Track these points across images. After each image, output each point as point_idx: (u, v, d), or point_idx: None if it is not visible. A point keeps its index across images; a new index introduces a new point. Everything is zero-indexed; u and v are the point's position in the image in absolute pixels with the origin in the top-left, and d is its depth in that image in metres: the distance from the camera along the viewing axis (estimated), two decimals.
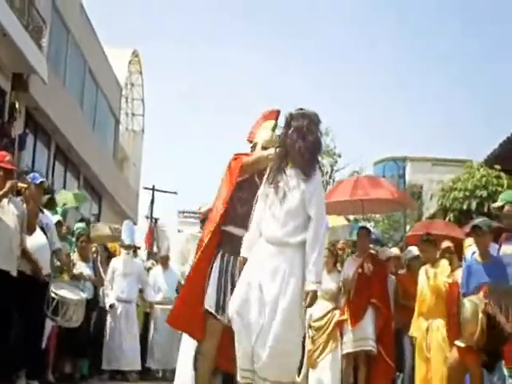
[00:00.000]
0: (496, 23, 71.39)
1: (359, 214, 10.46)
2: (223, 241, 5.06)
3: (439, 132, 68.52)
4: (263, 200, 4.71)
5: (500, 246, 6.28)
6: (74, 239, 9.46)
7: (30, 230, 6.96)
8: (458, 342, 5.90)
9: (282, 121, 4.95)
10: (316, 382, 7.92)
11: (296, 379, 6.46)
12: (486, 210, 11.59)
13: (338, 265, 8.47)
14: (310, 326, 8.06)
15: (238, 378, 4.53)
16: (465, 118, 71.34)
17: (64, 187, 19.24)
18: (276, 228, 4.56)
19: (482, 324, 5.39)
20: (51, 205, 8.99)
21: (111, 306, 10.03)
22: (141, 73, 34.61)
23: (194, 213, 34.80)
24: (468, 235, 7.36)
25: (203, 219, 7.48)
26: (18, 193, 7.06)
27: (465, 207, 12.54)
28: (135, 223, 15.11)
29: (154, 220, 29.86)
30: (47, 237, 7.36)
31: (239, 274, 4.70)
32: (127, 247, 10.48)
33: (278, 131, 5.05)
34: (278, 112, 5.36)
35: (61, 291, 7.43)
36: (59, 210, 9.84)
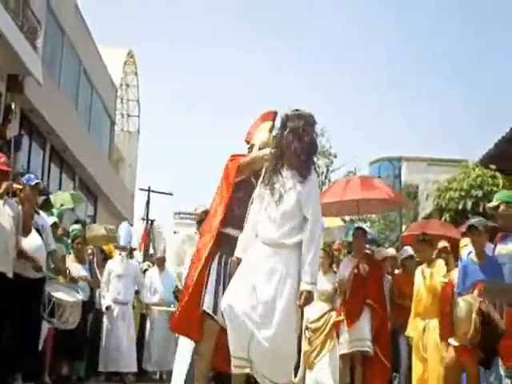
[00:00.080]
0: (490, 24, 71.60)
1: (354, 215, 10.47)
2: (221, 242, 5.06)
3: (434, 132, 68.70)
4: (259, 201, 4.72)
5: (495, 245, 6.29)
6: (69, 241, 9.44)
7: (26, 232, 6.94)
8: (451, 341, 5.92)
9: (278, 122, 4.96)
10: (313, 382, 7.92)
11: (293, 380, 6.48)
12: (481, 209, 11.62)
13: (334, 266, 8.48)
14: (306, 328, 8.06)
15: (232, 368, 4.54)
16: (460, 118, 71.49)
17: (59, 188, 19.23)
18: (272, 229, 4.57)
19: (475, 323, 5.40)
20: (47, 206, 8.97)
21: (107, 308, 10.01)
22: (136, 74, 34.62)
23: (189, 214, 34.86)
24: (464, 235, 7.37)
25: (199, 220, 7.49)
26: (14, 194, 7.05)
27: (460, 207, 12.58)
28: (131, 224, 15.09)
29: (149, 221, 29.80)
30: (43, 238, 7.34)
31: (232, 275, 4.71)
32: (122, 249, 10.47)
33: (275, 132, 5.06)
34: (276, 113, 5.37)
35: (57, 293, 7.42)
36: (55, 211, 9.82)
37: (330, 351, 7.94)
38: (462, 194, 12.68)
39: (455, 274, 6.76)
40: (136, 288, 10.58)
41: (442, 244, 7.66)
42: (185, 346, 6.01)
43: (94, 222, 20.37)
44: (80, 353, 9.10)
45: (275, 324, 4.35)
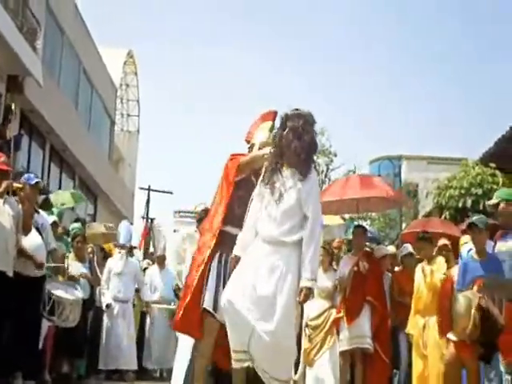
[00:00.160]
0: (490, 24, 71.61)
1: (354, 213, 10.46)
2: (221, 241, 5.07)
3: (434, 131, 68.72)
4: (259, 201, 4.74)
5: (495, 243, 6.30)
6: (69, 240, 9.45)
7: (26, 231, 6.96)
8: (450, 336, 5.94)
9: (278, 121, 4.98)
10: (314, 379, 7.94)
11: (293, 377, 6.50)
12: (481, 207, 11.61)
13: (334, 263, 8.50)
14: (306, 325, 8.07)
15: (232, 362, 4.56)
16: (460, 117, 71.51)
17: (59, 188, 19.25)
18: (272, 227, 4.59)
19: (474, 319, 5.43)
20: (46, 206, 8.98)
21: (108, 306, 10.03)
22: (136, 73, 34.65)
23: (189, 212, 34.82)
24: (464, 233, 7.38)
25: (199, 219, 7.49)
26: (14, 193, 7.06)
27: (460, 205, 12.57)
28: (131, 223, 15.12)
29: (149, 220, 29.81)
30: (43, 237, 7.35)
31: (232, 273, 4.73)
32: (122, 247, 10.49)
33: (275, 132, 5.07)
34: (276, 113, 5.38)
35: (57, 291, 7.43)
36: (55, 210, 9.83)
37: (329, 348, 7.95)
38: (462, 192, 12.68)
39: (455, 271, 6.77)
40: (136, 286, 10.60)
41: (443, 242, 7.68)
42: (185, 344, 6.02)
43: (94, 221, 20.35)
44: (80, 351, 9.10)
45: (276, 320, 4.37)
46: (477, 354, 5.76)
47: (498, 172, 12.67)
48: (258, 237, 4.68)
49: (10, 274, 6.46)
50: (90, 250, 9.75)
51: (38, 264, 6.96)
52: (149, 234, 19.89)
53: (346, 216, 13.98)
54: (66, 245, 9.28)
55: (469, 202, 12.47)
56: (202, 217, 7.00)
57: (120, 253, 10.46)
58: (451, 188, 12.97)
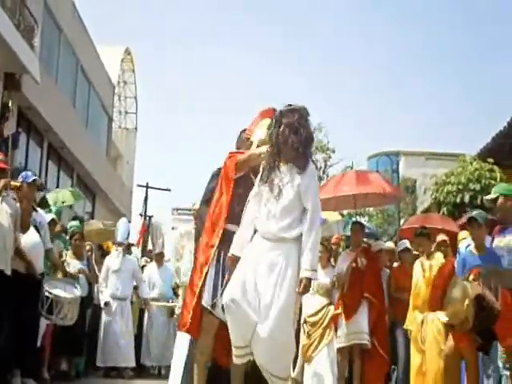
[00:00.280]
0: (490, 24, 71.57)
1: (352, 209, 10.44)
2: (221, 239, 5.07)
3: (432, 127, 68.76)
4: (256, 201, 4.73)
5: (493, 238, 6.30)
6: (67, 237, 9.46)
7: (24, 229, 6.95)
8: (440, 316, 5.97)
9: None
10: (312, 375, 7.93)
11: (291, 374, 6.49)
12: (479, 203, 11.61)
13: (332, 260, 8.50)
14: (305, 322, 8.08)
15: (233, 358, 4.58)
16: (458, 115, 71.54)
17: (57, 186, 19.26)
18: (272, 224, 4.58)
19: (469, 311, 5.47)
20: (43, 204, 8.98)
21: (106, 304, 10.04)
22: (133, 71, 34.62)
23: (187, 210, 34.82)
24: (462, 228, 7.38)
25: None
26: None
27: (458, 201, 12.57)
28: (129, 221, 15.08)
29: (148, 217, 29.81)
30: (41, 235, 7.35)
31: (230, 272, 4.72)
32: (119, 244, 10.49)
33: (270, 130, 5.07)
34: (275, 110, 5.37)
35: (55, 290, 7.43)
36: (53, 208, 9.84)
37: (327, 344, 7.95)
38: (460, 187, 12.68)
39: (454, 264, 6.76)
40: (134, 283, 10.60)
41: (441, 237, 7.68)
42: (183, 341, 6.01)
43: (92, 219, 20.38)
44: (79, 348, 9.12)
45: (274, 317, 4.36)
46: (475, 344, 5.79)
47: (495, 167, 12.67)
48: (257, 234, 4.67)
49: (8, 272, 6.44)
50: (88, 247, 9.76)
51: (29, 268, 6.93)
52: (147, 231, 19.86)
53: (345, 212, 14.00)
54: (64, 243, 9.29)
55: (467, 198, 12.48)
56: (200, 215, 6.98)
57: (117, 250, 10.46)
58: (449, 184, 12.97)
